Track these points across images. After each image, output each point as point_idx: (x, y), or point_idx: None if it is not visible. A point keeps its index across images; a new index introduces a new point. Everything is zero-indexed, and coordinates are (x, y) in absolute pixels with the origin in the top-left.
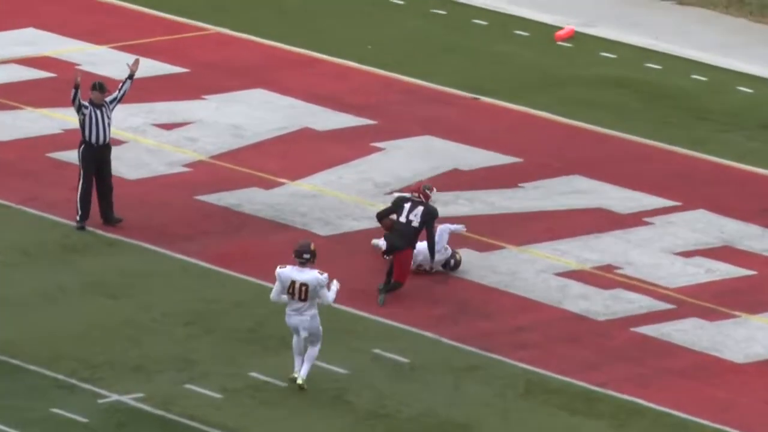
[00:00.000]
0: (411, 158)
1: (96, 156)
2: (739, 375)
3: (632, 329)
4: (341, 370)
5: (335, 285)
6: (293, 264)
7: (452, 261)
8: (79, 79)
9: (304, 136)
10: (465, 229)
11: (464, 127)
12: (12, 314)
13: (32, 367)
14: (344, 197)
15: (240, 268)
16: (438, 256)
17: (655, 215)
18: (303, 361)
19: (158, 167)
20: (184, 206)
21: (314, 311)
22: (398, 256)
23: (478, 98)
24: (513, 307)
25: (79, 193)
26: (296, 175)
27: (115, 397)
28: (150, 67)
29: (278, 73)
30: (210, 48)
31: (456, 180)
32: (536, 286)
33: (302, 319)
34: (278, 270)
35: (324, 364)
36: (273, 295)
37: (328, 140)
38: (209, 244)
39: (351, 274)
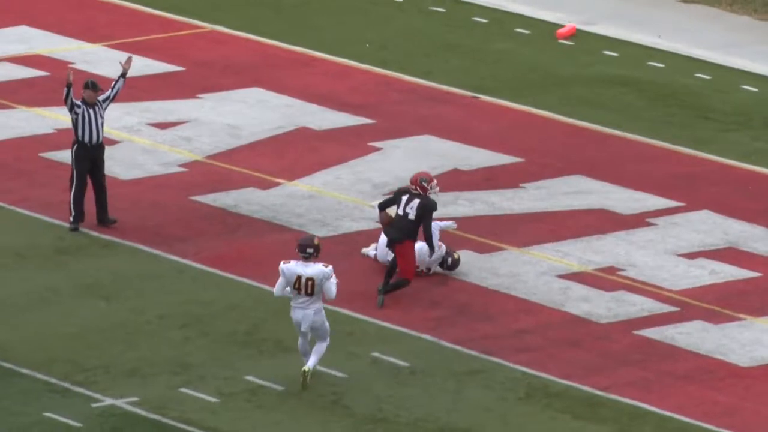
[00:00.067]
0: (410, 158)
1: (89, 156)
2: (744, 379)
3: (635, 332)
4: (339, 374)
5: (333, 279)
6: (297, 259)
7: (449, 259)
8: (71, 77)
9: (302, 135)
10: (455, 226)
11: (464, 126)
12: (4, 317)
13: (25, 371)
14: (342, 198)
15: (236, 270)
16: (426, 257)
17: (658, 216)
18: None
19: (153, 167)
20: (179, 207)
21: (318, 305)
22: (399, 250)
23: (479, 97)
24: (514, 309)
25: (72, 194)
26: (293, 175)
27: (109, 401)
28: (145, 66)
29: (275, 72)
30: (206, 46)
31: (456, 180)
32: (538, 288)
33: (306, 313)
34: (282, 265)
35: (321, 368)
36: (277, 290)
37: (326, 140)
38: (205, 246)
39: (349, 276)
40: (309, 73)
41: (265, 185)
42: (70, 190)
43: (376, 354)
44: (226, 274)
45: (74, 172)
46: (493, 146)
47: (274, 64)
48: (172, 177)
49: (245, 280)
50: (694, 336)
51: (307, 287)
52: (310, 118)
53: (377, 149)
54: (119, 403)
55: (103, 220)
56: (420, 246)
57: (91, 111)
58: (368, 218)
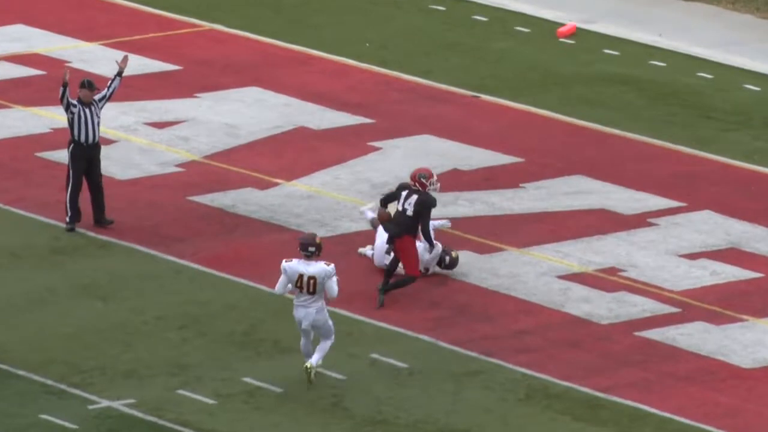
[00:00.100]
0: (409, 158)
1: (85, 155)
2: (745, 380)
3: (636, 333)
4: (338, 376)
5: (335, 277)
6: (299, 257)
7: (447, 258)
8: (67, 76)
9: (300, 135)
10: (449, 225)
11: (464, 126)
12: (0, 317)
13: (21, 372)
14: (341, 198)
15: (234, 271)
16: (427, 255)
17: (659, 216)
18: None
19: (150, 167)
20: (176, 207)
21: (320, 304)
22: (398, 245)
23: (479, 96)
24: (514, 310)
25: (68, 194)
26: (292, 175)
27: (105, 402)
28: (142, 65)
29: (273, 71)
30: (203, 45)
31: (456, 180)
32: (538, 288)
33: (308, 311)
34: (284, 263)
35: (320, 369)
36: (278, 288)
37: (325, 139)
38: (202, 246)
39: (348, 277)
40: (308, 72)
41: (264, 185)
42: (67, 190)
43: (375, 355)
44: (223, 274)
45: (70, 171)
46: (493, 146)
47: (273, 63)
48: (170, 177)
49: (243, 280)
50: (695, 337)
51: (308, 286)
52: (308, 117)
53: (376, 149)
54: (116, 404)
55: (100, 221)
56: (418, 246)
57: (87, 110)
58: (365, 219)
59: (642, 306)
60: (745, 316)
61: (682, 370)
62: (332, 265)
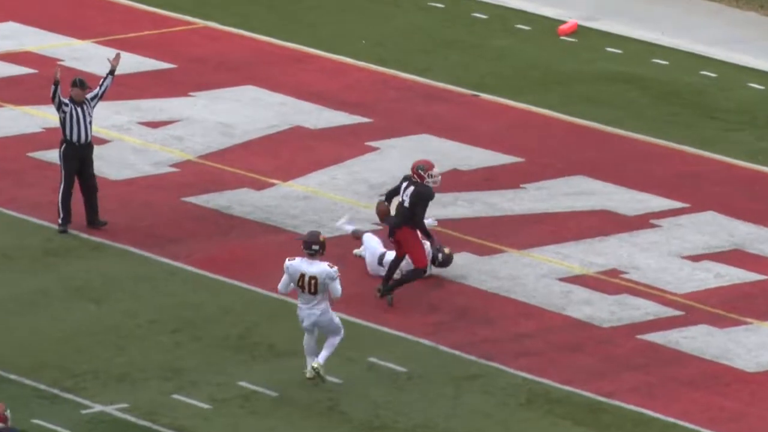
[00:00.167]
0: (408, 158)
1: (78, 155)
2: (749, 384)
3: (638, 336)
4: (335, 380)
5: (337, 279)
6: (302, 256)
7: (440, 255)
8: (58, 74)
9: (296, 134)
10: (435, 224)
11: (463, 125)
12: None
13: (12, 376)
14: (338, 199)
15: (229, 273)
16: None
17: (662, 217)
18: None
19: (144, 167)
20: (171, 208)
21: (325, 305)
22: (399, 237)
23: (478, 95)
24: (514, 313)
25: (60, 195)
26: (288, 175)
27: (98, 407)
28: (135, 63)
29: (269, 69)
30: (198, 43)
31: (455, 180)
32: (538, 291)
33: (311, 312)
34: (287, 262)
35: None
36: (280, 287)
37: (321, 139)
38: (197, 248)
39: (345, 279)
40: (304, 70)
41: (259, 186)
42: (59, 191)
43: (372, 359)
44: (218, 276)
45: (62, 171)
46: (492, 146)
47: (268, 61)
48: (164, 177)
49: (238, 282)
50: (699, 340)
51: (309, 286)
52: (305, 116)
53: (374, 149)
54: (109, 409)
55: (93, 222)
56: None
57: (79, 109)
58: (365, 219)
59: (644, 309)
60: (749, 319)
61: (686, 374)
62: (335, 268)
